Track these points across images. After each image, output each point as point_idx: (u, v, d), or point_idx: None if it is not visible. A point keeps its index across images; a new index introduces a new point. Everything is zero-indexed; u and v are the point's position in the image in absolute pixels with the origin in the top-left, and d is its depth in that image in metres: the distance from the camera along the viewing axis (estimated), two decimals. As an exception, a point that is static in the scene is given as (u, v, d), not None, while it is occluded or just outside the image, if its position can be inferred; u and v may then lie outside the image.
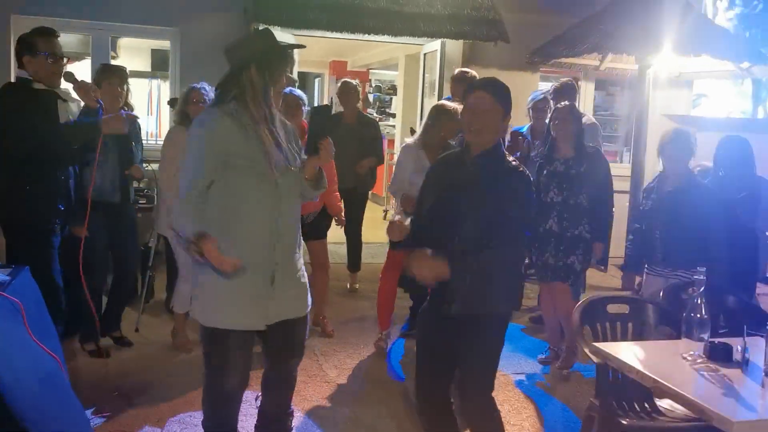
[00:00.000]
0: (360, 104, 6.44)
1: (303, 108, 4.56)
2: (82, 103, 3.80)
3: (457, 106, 4.28)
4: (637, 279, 4.14)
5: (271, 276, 2.63)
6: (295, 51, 7.37)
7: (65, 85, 3.73)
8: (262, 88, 2.54)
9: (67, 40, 7.88)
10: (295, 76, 7.54)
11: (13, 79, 6.38)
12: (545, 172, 4.44)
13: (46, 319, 2.95)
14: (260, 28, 6.59)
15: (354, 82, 6.22)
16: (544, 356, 4.67)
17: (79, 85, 3.63)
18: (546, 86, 8.30)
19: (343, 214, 4.99)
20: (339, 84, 6.18)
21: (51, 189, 3.64)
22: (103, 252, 4.24)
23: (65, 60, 3.66)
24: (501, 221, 2.57)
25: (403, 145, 4.60)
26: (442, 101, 4.46)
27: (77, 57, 7.64)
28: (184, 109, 4.30)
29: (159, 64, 8.46)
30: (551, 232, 4.38)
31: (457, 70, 5.46)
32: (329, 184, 4.76)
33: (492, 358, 2.77)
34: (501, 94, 2.67)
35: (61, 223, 3.75)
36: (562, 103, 4.59)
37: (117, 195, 4.21)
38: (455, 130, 4.35)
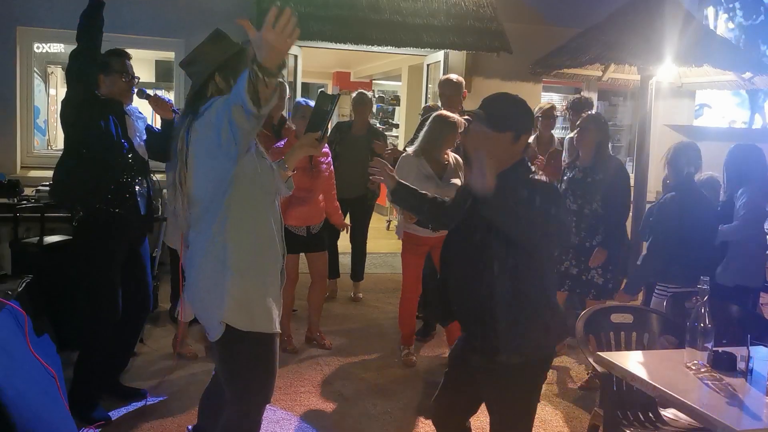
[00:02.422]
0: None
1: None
2: (145, 121, 3.88)
3: (457, 118, 4.31)
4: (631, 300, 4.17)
5: (282, 270, 2.56)
6: (299, 62, 7.42)
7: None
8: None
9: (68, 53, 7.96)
10: (298, 86, 7.62)
11: (23, 90, 6.49)
12: (565, 178, 4.50)
13: (47, 330, 2.97)
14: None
15: (369, 94, 6.29)
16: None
17: (153, 99, 3.74)
18: (547, 97, 8.35)
19: (344, 223, 5.00)
20: (355, 94, 6.22)
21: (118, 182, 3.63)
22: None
23: (136, 80, 3.79)
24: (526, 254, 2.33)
25: (403, 155, 4.63)
26: (443, 111, 4.47)
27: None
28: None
29: (163, 75, 8.52)
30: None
31: (443, 77, 5.45)
32: (330, 194, 4.83)
33: (526, 410, 2.50)
34: (497, 118, 2.40)
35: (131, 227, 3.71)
36: (587, 112, 4.66)
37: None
38: (455, 141, 4.39)
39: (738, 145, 4.55)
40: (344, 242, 6.05)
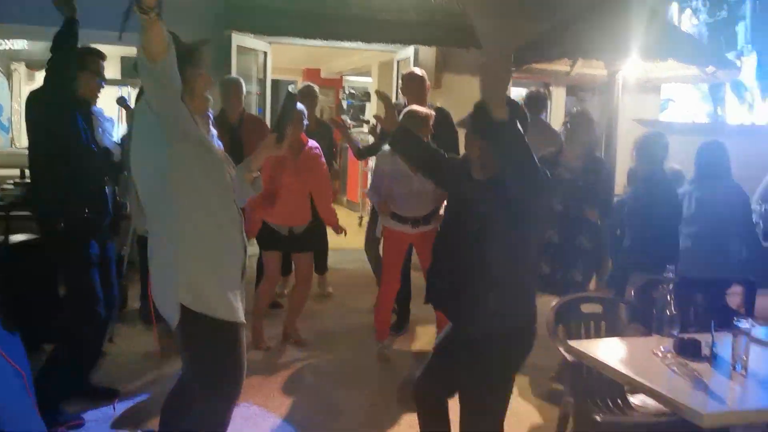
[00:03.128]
0: (333, 110, 6.42)
1: (303, 121, 4.55)
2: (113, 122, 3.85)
3: (428, 112, 4.29)
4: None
5: (243, 265, 2.57)
6: (269, 58, 7.38)
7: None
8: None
9: (35, 48, 7.80)
10: (268, 83, 7.57)
11: None
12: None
13: (15, 330, 2.91)
14: (232, 35, 6.63)
15: (315, 86, 6.17)
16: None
17: (131, 112, 3.77)
18: (516, 92, 8.42)
19: (340, 227, 4.85)
20: (300, 87, 6.11)
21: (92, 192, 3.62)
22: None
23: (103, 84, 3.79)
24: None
25: (379, 152, 4.62)
26: (413, 107, 4.43)
27: (43, 66, 7.55)
28: None
29: (129, 72, 8.41)
30: (549, 243, 4.20)
31: (405, 72, 5.40)
32: (322, 194, 4.73)
33: (497, 387, 2.60)
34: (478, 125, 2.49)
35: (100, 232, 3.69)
36: (577, 108, 4.55)
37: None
38: (428, 135, 4.37)
39: (707, 142, 4.66)
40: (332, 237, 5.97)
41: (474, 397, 2.59)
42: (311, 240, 4.87)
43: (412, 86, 5.08)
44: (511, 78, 2.24)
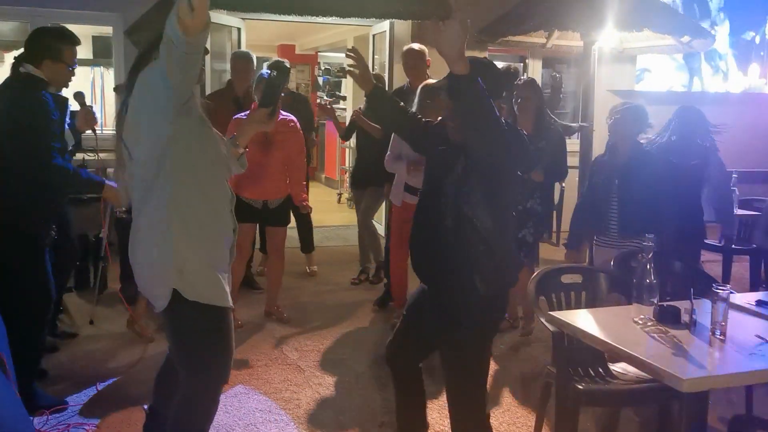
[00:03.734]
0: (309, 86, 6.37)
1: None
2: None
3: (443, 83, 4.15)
4: (577, 255, 4.27)
5: (232, 246, 2.53)
6: (242, 35, 7.28)
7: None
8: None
9: (2, 28, 7.63)
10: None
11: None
12: None
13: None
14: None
15: (287, 61, 6.07)
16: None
17: (85, 111, 3.72)
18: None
19: (306, 205, 4.84)
20: (271, 62, 6.05)
21: (44, 195, 3.50)
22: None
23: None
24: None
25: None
26: (428, 81, 4.29)
27: (13, 46, 7.39)
28: None
29: (101, 51, 8.24)
30: None
31: (405, 48, 5.37)
32: (299, 173, 4.70)
33: (477, 359, 2.63)
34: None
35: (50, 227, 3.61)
36: (522, 79, 4.68)
37: None
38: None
39: (683, 107, 4.70)
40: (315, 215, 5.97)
41: (453, 368, 2.61)
42: (286, 215, 4.86)
43: (412, 62, 5.05)
44: (467, 35, 2.10)
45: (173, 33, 2.00)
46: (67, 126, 3.63)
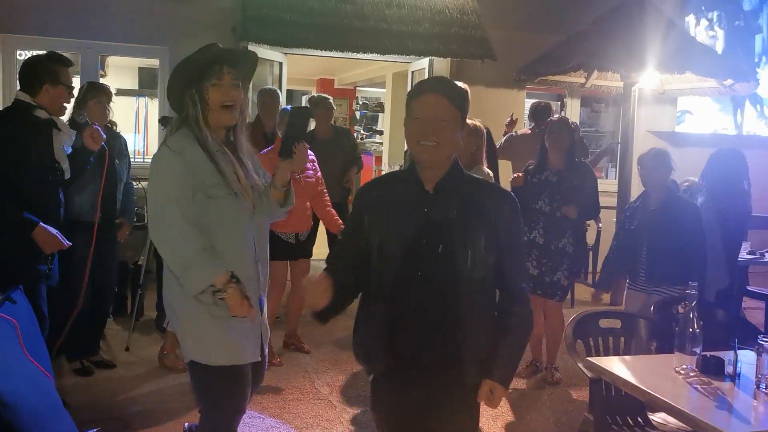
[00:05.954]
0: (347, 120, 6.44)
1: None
2: (74, 136, 3.69)
3: (477, 124, 4.16)
4: (605, 296, 4.23)
5: (259, 302, 2.54)
6: (284, 69, 7.42)
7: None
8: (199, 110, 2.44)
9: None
10: (283, 93, 7.60)
11: (5, 97, 6.39)
12: (535, 180, 4.48)
13: (39, 337, 2.94)
14: (249, 47, 6.68)
15: (327, 96, 6.14)
16: (525, 369, 4.65)
17: (92, 130, 3.67)
18: (529, 103, 8.41)
19: (341, 223, 4.78)
20: (309, 98, 6.13)
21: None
22: (83, 272, 4.02)
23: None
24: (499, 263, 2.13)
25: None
26: (469, 121, 4.27)
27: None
28: None
29: (146, 82, 8.48)
30: (534, 243, 4.40)
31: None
32: (321, 201, 4.77)
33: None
34: (457, 95, 2.10)
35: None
36: (556, 116, 4.69)
37: (95, 214, 4.06)
38: (477, 148, 4.16)
39: (720, 150, 4.65)
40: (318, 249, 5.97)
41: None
42: (312, 246, 4.89)
43: None
44: None
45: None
46: (68, 149, 3.62)
